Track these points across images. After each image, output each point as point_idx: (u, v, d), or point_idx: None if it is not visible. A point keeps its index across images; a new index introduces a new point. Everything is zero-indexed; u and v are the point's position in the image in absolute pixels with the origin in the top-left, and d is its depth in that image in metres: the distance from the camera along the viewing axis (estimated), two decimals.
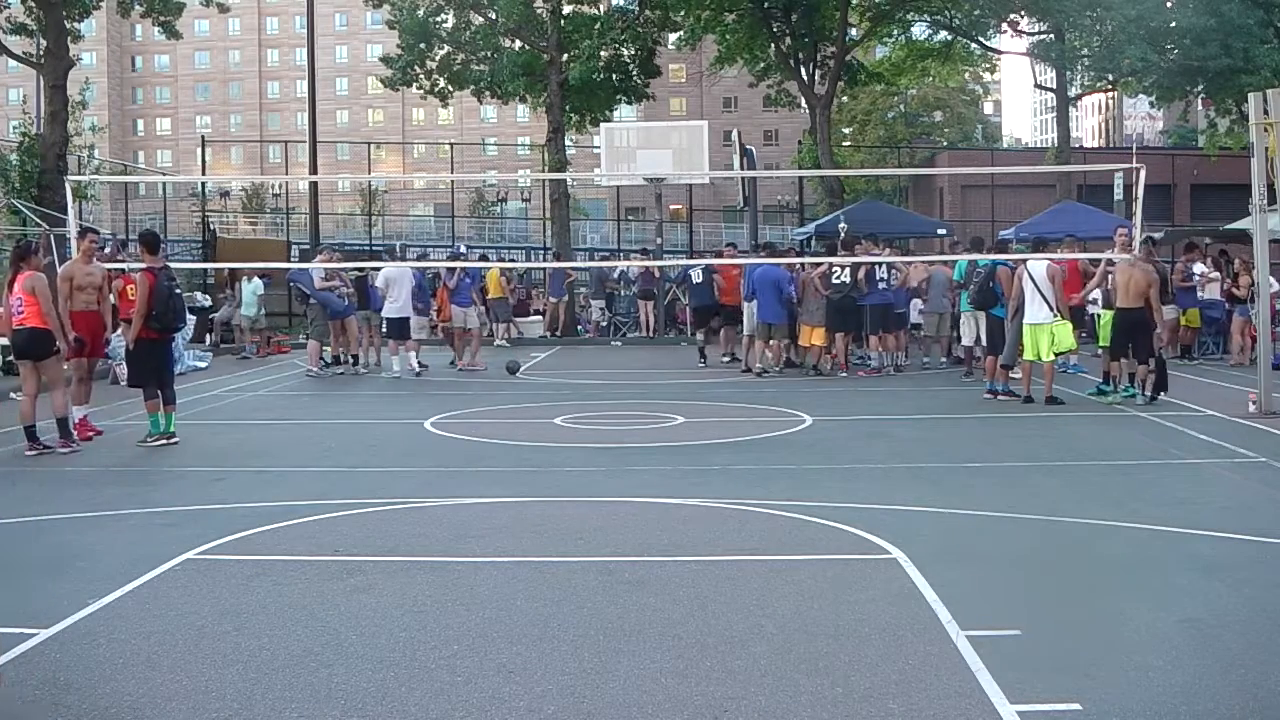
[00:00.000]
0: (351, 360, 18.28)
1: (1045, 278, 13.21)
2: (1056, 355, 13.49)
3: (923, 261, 18.96)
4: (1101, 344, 14.26)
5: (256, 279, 21.48)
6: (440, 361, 19.34)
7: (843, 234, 18.07)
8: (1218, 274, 19.40)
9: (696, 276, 19.47)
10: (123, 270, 14.86)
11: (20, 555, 6.88)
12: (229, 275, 23.14)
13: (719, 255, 21.76)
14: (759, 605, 5.64)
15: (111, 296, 13.45)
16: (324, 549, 6.92)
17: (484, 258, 24.31)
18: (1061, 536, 7.22)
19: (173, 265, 13.08)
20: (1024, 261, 13.83)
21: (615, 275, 26.94)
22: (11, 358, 16.42)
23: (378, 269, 18.76)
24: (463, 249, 27.01)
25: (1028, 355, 13.43)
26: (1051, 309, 13.15)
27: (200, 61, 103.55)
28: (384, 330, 18.14)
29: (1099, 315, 14.95)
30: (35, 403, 10.62)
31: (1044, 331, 13.14)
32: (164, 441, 10.91)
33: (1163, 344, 14.30)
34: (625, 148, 25.57)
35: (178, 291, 11.55)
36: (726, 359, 19.45)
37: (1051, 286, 13.19)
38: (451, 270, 19.37)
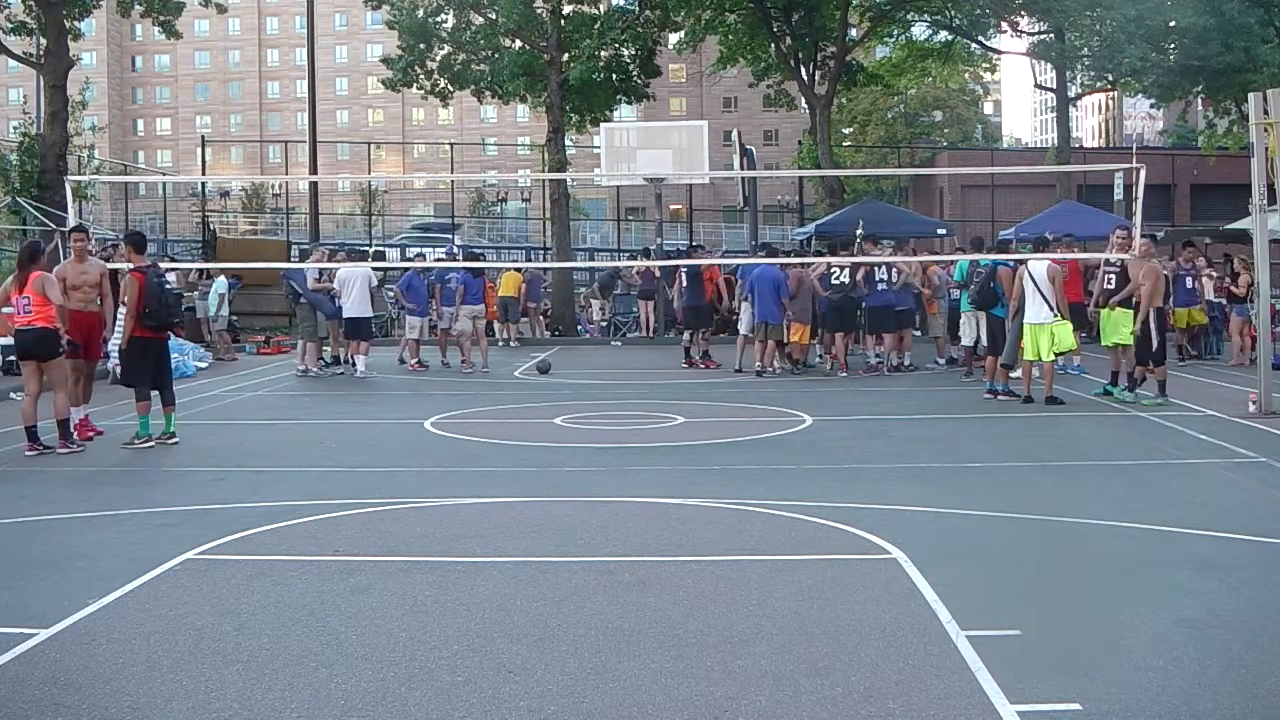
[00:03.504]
0: (351, 361, 18.27)
1: (1045, 278, 13.22)
2: (1057, 355, 13.49)
3: (933, 262, 18.98)
4: (1113, 342, 14.14)
5: (222, 278, 21.24)
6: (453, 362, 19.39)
7: (859, 236, 18.16)
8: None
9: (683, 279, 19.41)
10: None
11: (20, 555, 6.88)
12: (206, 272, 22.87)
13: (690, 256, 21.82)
14: (759, 605, 5.64)
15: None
16: (324, 549, 6.92)
17: (474, 256, 24.14)
18: (1061, 536, 7.22)
19: (176, 265, 13.08)
20: (1025, 261, 13.84)
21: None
22: (13, 358, 16.49)
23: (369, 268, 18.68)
24: (455, 249, 26.98)
25: (1028, 355, 13.43)
26: (1052, 309, 13.16)
27: (200, 61, 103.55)
28: (343, 330, 18.13)
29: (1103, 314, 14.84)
30: (37, 403, 10.62)
31: (1044, 331, 13.14)
32: (152, 443, 10.87)
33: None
34: (625, 148, 25.56)
35: (168, 287, 11.51)
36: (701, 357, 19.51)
37: (1051, 287, 13.19)
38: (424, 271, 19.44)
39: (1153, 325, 13.12)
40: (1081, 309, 15.82)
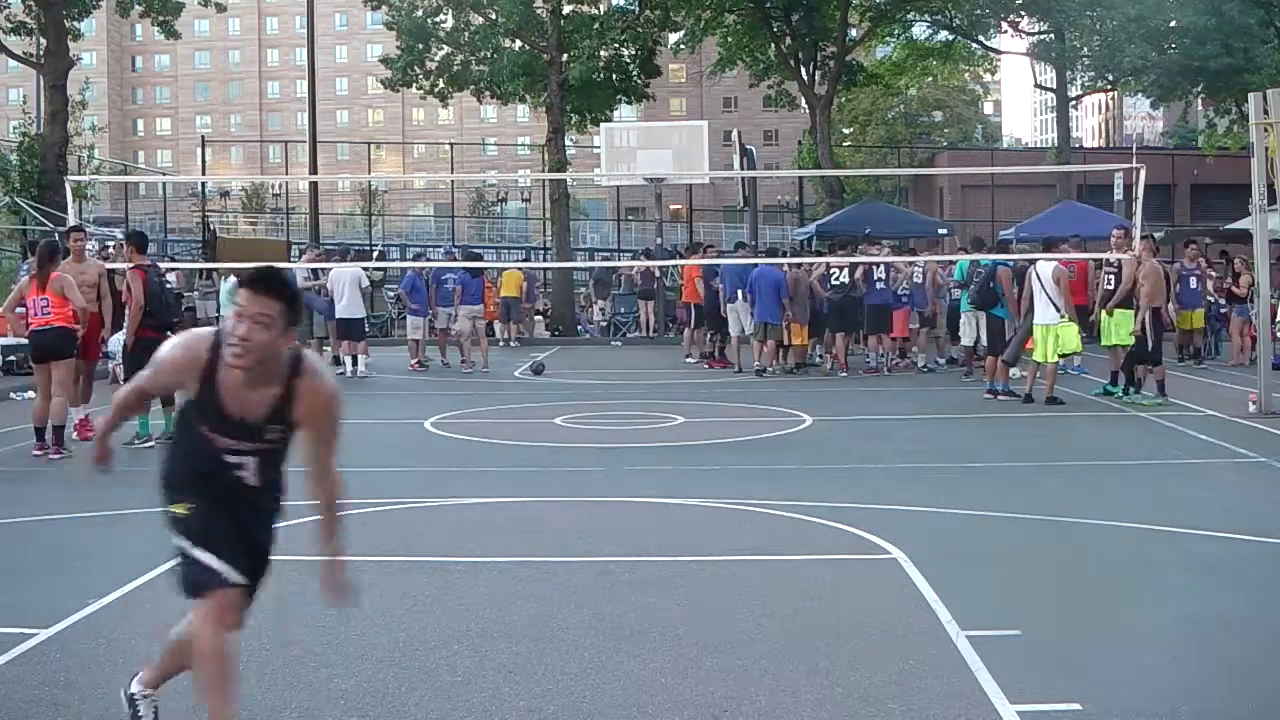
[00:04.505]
0: (350, 361, 18.24)
1: (1050, 279, 13.22)
2: (1061, 357, 13.49)
3: (935, 262, 19.00)
4: (1113, 343, 14.14)
5: (232, 278, 21.15)
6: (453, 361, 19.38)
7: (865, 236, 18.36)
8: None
9: (716, 281, 19.16)
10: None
11: (20, 555, 6.88)
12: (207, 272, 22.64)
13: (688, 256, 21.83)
14: (759, 605, 5.63)
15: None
16: None
17: (473, 256, 24.08)
18: (1061, 536, 7.22)
19: (176, 265, 13.06)
20: (1033, 261, 13.85)
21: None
22: (12, 358, 16.47)
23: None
24: (453, 250, 26.98)
25: (1036, 356, 13.45)
26: (1057, 310, 13.16)
27: (200, 61, 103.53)
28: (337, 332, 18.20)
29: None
30: (49, 404, 10.58)
31: (1049, 333, 13.16)
32: (152, 443, 10.82)
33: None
34: (625, 148, 25.55)
35: (169, 287, 11.50)
36: (692, 360, 19.49)
37: (1057, 288, 13.19)
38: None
39: (1148, 324, 13.13)
40: (1087, 310, 15.79)
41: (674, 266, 23.18)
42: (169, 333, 11.49)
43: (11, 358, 16.60)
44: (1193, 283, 18.38)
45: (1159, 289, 13.45)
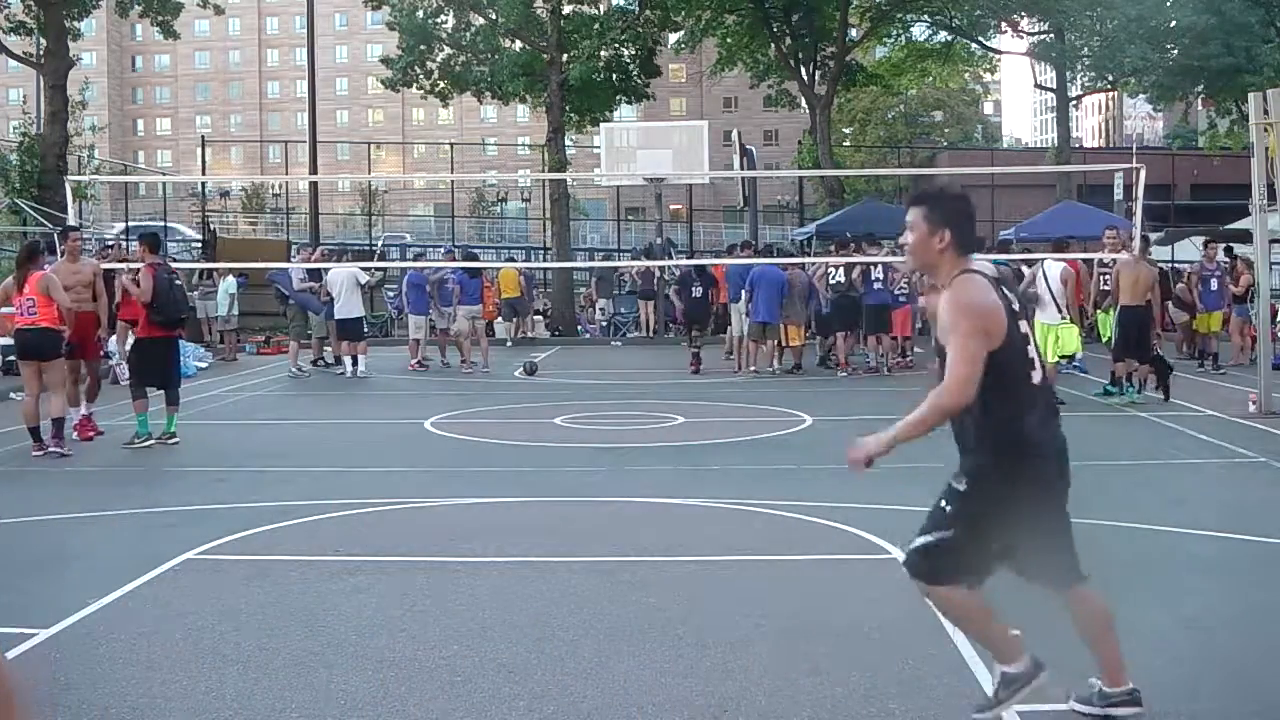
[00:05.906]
0: (350, 361, 18.24)
1: (1058, 280, 13.24)
2: (1060, 359, 13.50)
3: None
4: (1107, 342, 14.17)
5: (231, 278, 21.14)
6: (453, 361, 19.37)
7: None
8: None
9: (696, 288, 18.95)
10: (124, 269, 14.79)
11: (20, 555, 6.88)
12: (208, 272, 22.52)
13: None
14: (759, 605, 5.64)
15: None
16: (324, 549, 6.91)
17: (472, 256, 24.10)
18: None
19: (178, 264, 13.05)
20: (1043, 261, 13.87)
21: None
22: (12, 358, 16.45)
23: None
24: (453, 249, 27.01)
25: None
26: (1060, 311, 13.18)
27: (200, 61, 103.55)
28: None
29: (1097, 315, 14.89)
30: (38, 403, 10.59)
31: (1050, 333, 13.16)
32: (152, 443, 10.85)
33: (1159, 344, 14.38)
34: (625, 148, 25.56)
35: (178, 284, 11.53)
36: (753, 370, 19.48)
37: (1063, 289, 13.21)
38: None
39: (1113, 321, 13.17)
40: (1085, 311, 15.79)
41: (673, 267, 23.12)
42: (177, 331, 11.57)
43: (11, 358, 16.58)
44: (1213, 284, 17.90)
45: (1147, 287, 13.41)
